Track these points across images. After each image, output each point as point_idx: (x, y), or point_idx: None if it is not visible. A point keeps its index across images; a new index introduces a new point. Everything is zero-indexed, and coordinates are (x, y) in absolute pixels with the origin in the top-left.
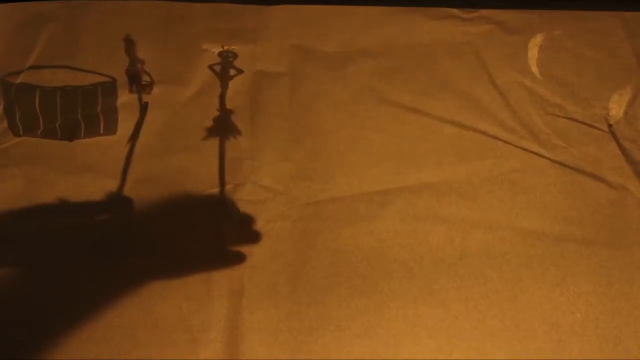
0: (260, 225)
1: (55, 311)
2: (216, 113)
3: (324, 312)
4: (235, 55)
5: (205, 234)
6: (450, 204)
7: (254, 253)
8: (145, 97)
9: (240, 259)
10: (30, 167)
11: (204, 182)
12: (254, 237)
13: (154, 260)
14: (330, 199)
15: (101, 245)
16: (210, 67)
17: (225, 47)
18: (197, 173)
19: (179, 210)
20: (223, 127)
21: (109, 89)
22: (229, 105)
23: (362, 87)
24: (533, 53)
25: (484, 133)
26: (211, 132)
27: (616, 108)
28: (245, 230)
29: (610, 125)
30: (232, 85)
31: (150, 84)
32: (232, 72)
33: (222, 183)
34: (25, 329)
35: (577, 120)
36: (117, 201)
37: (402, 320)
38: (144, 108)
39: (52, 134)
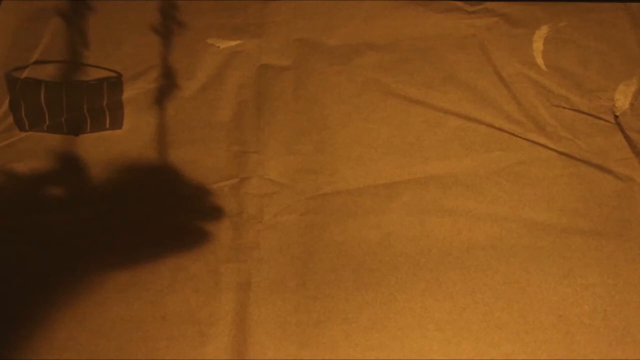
0: (266, 218)
1: (62, 304)
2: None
3: (331, 305)
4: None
5: (212, 227)
6: (457, 196)
7: (261, 246)
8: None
9: (247, 252)
10: (36, 162)
11: (211, 176)
12: (261, 231)
13: (162, 253)
14: (336, 192)
15: (107, 238)
16: None
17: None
18: (204, 166)
19: (186, 203)
20: None
21: (115, 83)
22: (235, 99)
23: (367, 80)
24: (538, 45)
25: (489, 125)
26: None
27: (622, 99)
28: (252, 223)
29: (616, 117)
30: (238, 79)
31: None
32: None
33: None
34: (31, 322)
35: (583, 112)
36: (123, 194)
37: (409, 312)
38: None
39: (58, 129)
